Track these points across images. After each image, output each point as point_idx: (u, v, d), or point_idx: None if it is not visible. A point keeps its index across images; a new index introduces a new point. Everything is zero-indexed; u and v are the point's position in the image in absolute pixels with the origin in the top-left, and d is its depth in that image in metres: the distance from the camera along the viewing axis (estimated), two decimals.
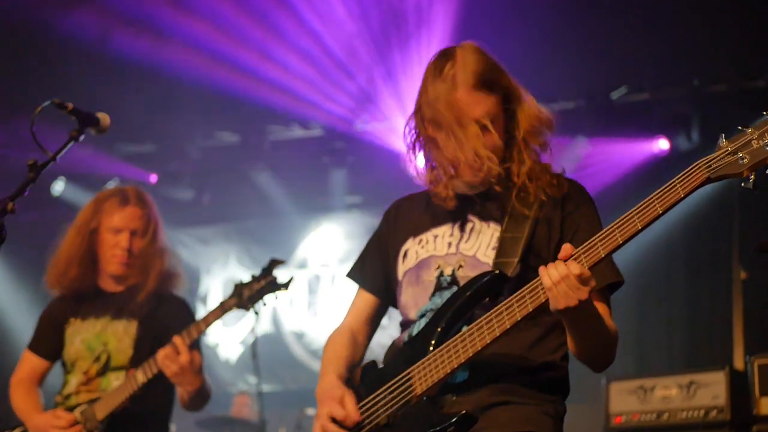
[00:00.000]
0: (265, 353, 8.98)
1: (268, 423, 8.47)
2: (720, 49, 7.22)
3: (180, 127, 9.15)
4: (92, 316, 4.23)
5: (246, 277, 4.09)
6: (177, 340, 3.90)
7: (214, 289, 10.61)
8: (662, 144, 7.93)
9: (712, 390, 5.36)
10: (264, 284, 4.02)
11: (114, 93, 7.27)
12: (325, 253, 10.49)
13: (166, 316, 4.07)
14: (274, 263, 4.07)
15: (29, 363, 4.36)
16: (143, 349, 4.10)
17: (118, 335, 4.17)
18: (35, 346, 4.37)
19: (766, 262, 6.81)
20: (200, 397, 4.12)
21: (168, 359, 3.87)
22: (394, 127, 8.21)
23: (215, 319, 4.01)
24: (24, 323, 8.81)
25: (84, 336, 4.20)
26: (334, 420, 2.65)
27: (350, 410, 2.64)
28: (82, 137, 3.02)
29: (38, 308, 4.51)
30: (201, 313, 10.96)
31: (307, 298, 10.49)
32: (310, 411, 8.60)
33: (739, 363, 6.49)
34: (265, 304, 4.05)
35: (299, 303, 10.50)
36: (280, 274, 4.07)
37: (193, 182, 10.02)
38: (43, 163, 2.89)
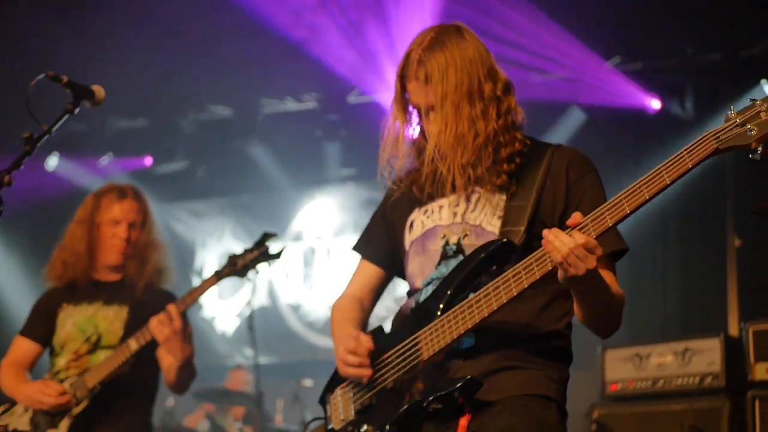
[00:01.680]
0: (262, 326, 8.99)
1: (265, 395, 8.52)
2: (713, 18, 7.21)
3: (173, 101, 9.14)
4: (85, 302, 4.33)
5: (239, 250, 4.24)
6: (170, 307, 4.02)
7: (209, 262, 10.63)
8: (654, 104, 7.89)
9: (707, 357, 5.39)
10: (257, 254, 4.19)
11: (106, 68, 7.24)
12: (319, 225, 10.51)
13: (156, 305, 4.12)
14: (267, 236, 4.23)
15: (20, 348, 4.43)
16: (134, 332, 4.15)
17: (109, 319, 4.26)
18: (27, 331, 4.45)
19: (760, 230, 6.85)
20: (187, 370, 4.21)
21: (161, 324, 3.98)
22: (387, 100, 8.19)
23: (209, 287, 4.15)
24: (19, 303, 8.84)
25: (76, 319, 4.29)
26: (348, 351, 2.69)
27: (363, 340, 2.68)
28: (77, 110, 3.02)
29: (33, 288, 4.56)
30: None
31: (302, 270, 10.52)
32: (307, 382, 8.65)
33: (733, 329, 6.54)
34: (257, 273, 4.21)
35: (295, 276, 10.53)
36: (273, 245, 4.24)
37: (187, 156, 10.02)
38: (39, 135, 2.90)
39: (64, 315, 4.32)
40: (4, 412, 4.24)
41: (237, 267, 4.16)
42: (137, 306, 4.26)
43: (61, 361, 4.25)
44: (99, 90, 3.06)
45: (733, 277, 7.00)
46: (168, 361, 4.18)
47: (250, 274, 4.17)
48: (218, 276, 4.16)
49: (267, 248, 4.19)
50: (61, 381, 4.14)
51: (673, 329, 7.40)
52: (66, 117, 2.98)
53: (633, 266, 7.50)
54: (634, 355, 5.69)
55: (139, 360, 4.13)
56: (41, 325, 4.39)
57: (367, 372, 2.69)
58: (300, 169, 9.97)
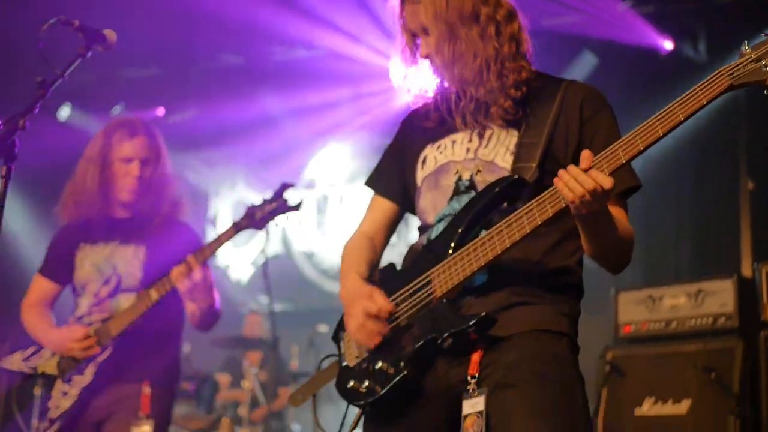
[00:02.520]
0: (276, 273, 9.04)
1: (281, 341, 8.59)
2: None
3: (184, 50, 9.11)
4: (101, 241, 4.31)
5: (258, 200, 4.20)
6: (190, 258, 4.03)
7: (223, 210, 10.67)
8: (667, 44, 7.82)
9: (720, 298, 5.40)
10: (275, 206, 4.15)
11: (117, 17, 7.21)
12: (332, 172, 10.51)
13: (173, 240, 4.14)
14: (285, 186, 4.19)
15: (40, 287, 4.46)
16: (152, 273, 4.19)
17: (127, 259, 4.25)
18: (46, 270, 4.46)
19: None
20: (211, 315, 4.24)
21: (182, 275, 4.00)
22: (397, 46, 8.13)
23: (227, 239, 4.14)
24: (32, 248, 8.89)
25: (94, 259, 4.29)
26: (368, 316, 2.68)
27: (382, 303, 2.68)
28: (89, 54, 3.01)
29: (46, 233, 4.57)
30: (210, 235, 11.05)
31: (315, 218, 10.55)
32: (322, 328, 8.72)
33: (747, 270, 6.53)
34: (276, 225, 4.18)
35: (308, 223, 10.56)
36: (291, 197, 4.20)
37: (199, 105, 10.00)
38: (52, 80, 2.89)
39: (81, 255, 4.32)
40: (32, 354, 4.29)
41: (255, 218, 4.14)
42: (154, 244, 4.25)
43: (84, 304, 4.26)
44: (111, 34, 3.05)
45: (746, 218, 6.98)
46: (191, 308, 4.19)
47: (269, 225, 4.16)
48: (236, 227, 4.15)
49: (285, 200, 4.16)
50: (86, 326, 4.18)
51: (687, 271, 7.41)
52: (78, 61, 2.98)
53: (646, 208, 7.49)
54: (647, 297, 5.71)
55: (163, 304, 4.13)
56: (59, 265, 4.40)
57: (378, 340, 2.69)
58: (312, 116, 9.94)
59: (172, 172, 4.44)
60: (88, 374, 4.09)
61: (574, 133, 2.67)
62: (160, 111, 9.89)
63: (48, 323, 4.36)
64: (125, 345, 4.12)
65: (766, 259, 5.30)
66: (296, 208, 4.17)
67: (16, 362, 4.29)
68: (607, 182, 2.30)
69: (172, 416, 4.37)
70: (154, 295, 4.07)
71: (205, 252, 4.07)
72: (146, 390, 4.04)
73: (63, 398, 4.10)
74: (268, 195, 4.19)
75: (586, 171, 2.33)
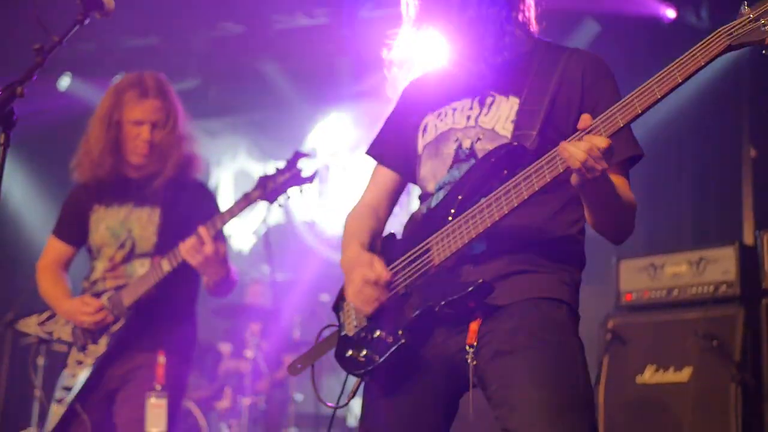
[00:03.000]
0: (278, 243, 9.07)
1: (282, 309, 8.61)
2: None
3: (184, 19, 9.06)
4: (116, 204, 4.27)
5: (270, 170, 4.05)
6: (201, 230, 3.94)
7: (224, 180, 10.66)
8: (669, 13, 7.78)
9: (721, 265, 5.39)
10: (289, 177, 4.00)
11: None
12: (334, 142, 10.50)
13: (187, 202, 4.10)
14: (299, 156, 4.02)
15: (55, 248, 4.43)
16: (167, 236, 4.15)
17: (142, 222, 4.21)
18: (60, 232, 4.43)
19: None
20: (226, 285, 4.20)
21: (193, 249, 3.93)
22: (400, 13, 8.10)
23: (240, 211, 4.01)
24: (34, 223, 8.91)
25: (108, 223, 4.25)
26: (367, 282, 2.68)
27: (380, 270, 2.66)
28: (87, 21, 2.98)
29: (49, 206, 4.57)
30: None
31: (317, 187, 10.54)
32: (324, 297, 8.73)
33: (749, 238, 6.52)
34: (289, 198, 4.04)
35: (310, 192, 10.54)
36: (305, 167, 4.02)
37: (199, 74, 9.96)
38: (50, 46, 2.87)
39: (96, 218, 4.28)
40: (48, 319, 4.28)
41: (267, 190, 3.99)
42: (169, 207, 4.20)
43: (99, 268, 4.24)
44: (109, 0, 3.02)
45: (749, 186, 6.97)
46: (205, 279, 4.16)
47: (281, 198, 4.02)
48: (248, 199, 4.01)
49: (299, 170, 3.99)
50: (99, 293, 4.17)
51: (688, 239, 7.40)
52: (76, 28, 2.95)
53: (647, 176, 7.47)
54: (649, 265, 5.70)
55: (178, 273, 4.07)
56: (74, 226, 4.37)
57: (375, 305, 2.68)
58: (313, 85, 9.90)
59: (187, 130, 4.32)
60: (102, 344, 4.09)
61: (576, 101, 2.65)
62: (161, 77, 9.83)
63: (62, 290, 4.33)
64: (139, 315, 4.10)
65: (767, 226, 5.29)
66: (310, 179, 4.01)
67: (32, 325, 4.30)
68: (602, 142, 2.28)
69: (187, 387, 4.33)
70: (165, 266, 4.02)
71: (215, 223, 3.98)
72: (161, 359, 4.01)
73: (78, 367, 4.11)
74: (281, 164, 4.02)
75: (584, 133, 2.32)
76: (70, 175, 4.36)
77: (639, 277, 5.73)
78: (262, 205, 4.10)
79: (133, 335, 4.11)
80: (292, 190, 4.02)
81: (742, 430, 4.95)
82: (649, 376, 5.40)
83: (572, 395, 2.48)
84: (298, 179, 4.00)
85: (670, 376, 5.30)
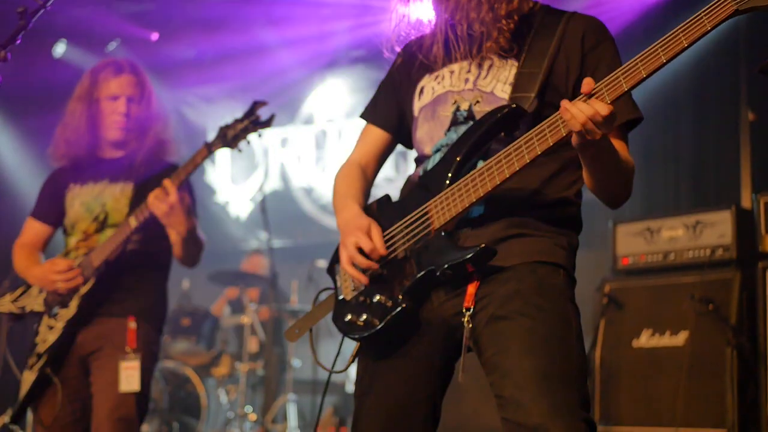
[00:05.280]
0: (275, 209, 9.08)
1: (280, 276, 8.62)
2: None
3: None
4: (91, 181, 4.34)
5: (229, 119, 4.15)
6: (166, 181, 4.02)
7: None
8: None
9: (718, 229, 5.40)
10: (247, 123, 4.08)
11: None
12: (330, 108, 10.47)
13: (160, 178, 4.12)
14: (257, 105, 4.11)
15: (32, 228, 4.49)
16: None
17: (116, 196, 4.27)
18: (37, 213, 4.50)
19: None
20: (193, 243, 4.21)
21: (157, 199, 3.99)
22: None
23: (202, 160, 4.09)
24: (28, 187, 8.88)
25: (83, 199, 4.31)
26: (361, 251, 2.67)
27: (377, 242, 2.67)
28: None
29: (43, 173, 4.58)
30: (208, 171, 11.04)
31: (314, 153, 10.53)
32: (321, 263, 8.74)
33: (746, 201, 6.53)
34: (249, 143, 4.12)
35: (307, 159, 10.54)
36: (263, 113, 4.13)
37: (195, 40, 9.91)
38: (34, 10, 2.85)
39: (71, 195, 4.35)
40: (21, 294, 4.32)
41: (228, 138, 4.08)
42: (142, 181, 4.25)
43: (72, 241, 4.30)
44: None
45: (746, 149, 6.95)
46: (173, 235, 4.20)
47: (241, 144, 4.09)
48: (209, 148, 4.09)
49: (257, 117, 4.08)
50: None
51: (685, 203, 7.40)
52: None
53: (645, 139, 7.47)
54: (645, 229, 5.71)
55: (147, 235, 4.17)
56: (50, 206, 4.43)
57: (365, 279, 2.69)
58: (309, 51, 9.86)
59: (161, 112, 4.44)
60: (73, 307, 4.10)
61: (576, 64, 2.64)
62: (154, 36, 9.78)
63: (34, 260, 4.39)
64: (109, 277, 4.13)
65: (764, 190, 5.29)
66: (267, 123, 4.08)
67: (6, 304, 4.33)
68: (604, 109, 2.27)
69: (158, 354, 4.38)
70: (132, 222, 4.07)
71: (179, 174, 4.05)
72: (131, 324, 4.09)
73: (49, 332, 4.12)
74: (239, 114, 4.12)
75: (588, 97, 2.30)
76: (51, 158, 4.44)
77: (635, 241, 5.73)
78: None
79: (104, 298, 4.14)
80: (251, 135, 4.10)
81: (737, 393, 4.98)
82: (645, 339, 5.41)
83: (565, 363, 2.47)
84: (255, 124, 4.09)
85: (667, 339, 5.33)
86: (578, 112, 2.28)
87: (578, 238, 2.72)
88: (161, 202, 3.98)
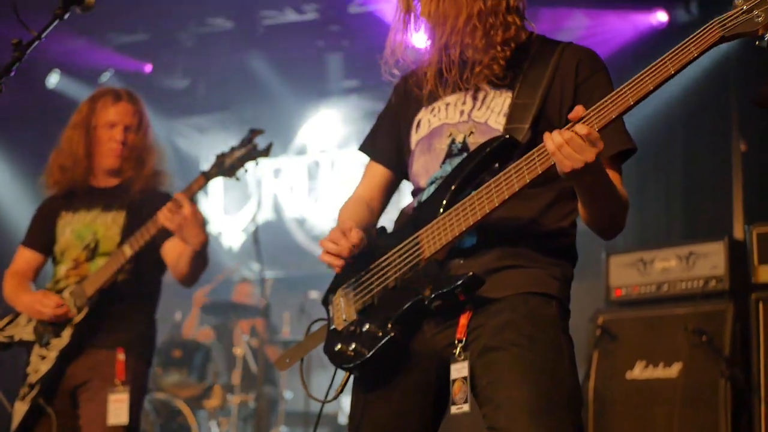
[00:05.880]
0: (267, 240, 9.05)
1: (272, 308, 8.59)
2: None
3: (172, 14, 9.04)
4: (83, 209, 4.33)
5: (226, 148, 4.12)
6: (178, 195, 3.97)
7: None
8: (660, 16, 7.80)
9: (711, 260, 5.40)
10: (244, 152, 4.06)
11: None
12: (323, 138, 10.48)
13: (153, 207, 4.10)
14: (254, 133, 4.10)
15: (23, 257, 4.47)
16: (130, 236, 4.15)
17: (107, 224, 4.25)
18: (28, 241, 4.49)
19: (765, 135, 6.80)
20: (202, 259, 4.15)
21: (170, 213, 3.93)
22: (389, 9, 8.09)
23: (199, 188, 4.05)
24: (21, 216, 8.85)
25: (74, 226, 4.30)
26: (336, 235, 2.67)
27: (351, 235, 2.64)
28: (66, 15, 2.95)
29: (35, 202, 4.58)
30: (201, 201, 11.00)
31: (307, 184, 10.53)
32: (313, 295, 8.73)
33: (738, 233, 6.53)
34: (246, 171, 4.09)
35: (299, 189, 10.54)
36: (260, 142, 4.11)
37: (188, 71, 9.93)
38: (29, 42, 2.85)
39: (63, 223, 4.33)
40: (8, 324, 4.29)
41: (224, 166, 4.05)
42: (134, 210, 4.23)
43: (62, 270, 4.27)
44: None
45: (739, 180, 6.96)
46: (178, 251, 4.14)
47: (239, 173, 4.07)
48: (206, 177, 4.06)
49: (254, 145, 4.07)
50: (61, 290, 4.18)
51: (678, 234, 7.40)
52: (56, 22, 2.92)
53: (637, 170, 7.47)
54: (638, 260, 5.70)
55: (137, 265, 4.15)
56: (41, 235, 4.42)
57: (338, 262, 2.67)
58: (302, 81, 9.88)
59: (156, 143, 4.44)
60: (66, 336, 4.08)
61: (569, 94, 2.64)
62: (148, 68, 9.80)
63: (23, 288, 4.37)
64: (101, 311, 4.11)
65: (757, 221, 5.29)
66: (265, 152, 4.07)
67: None
68: (582, 129, 2.26)
69: (147, 386, 4.34)
70: (127, 250, 4.05)
71: (191, 188, 4.02)
72: (120, 356, 4.07)
73: (41, 362, 4.09)
74: (236, 142, 4.11)
75: (574, 123, 2.30)
76: (44, 185, 4.43)
77: (628, 272, 5.72)
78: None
79: (96, 325, 4.12)
80: (249, 164, 4.08)
81: (731, 425, 4.96)
82: (639, 371, 5.39)
83: (557, 394, 2.46)
84: (253, 153, 4.07)
85: (660, 371, 5.30)
86: (555, 135, 2.28)
87: (573, 269, 2.71)
88: (175, 214, 3.92)
